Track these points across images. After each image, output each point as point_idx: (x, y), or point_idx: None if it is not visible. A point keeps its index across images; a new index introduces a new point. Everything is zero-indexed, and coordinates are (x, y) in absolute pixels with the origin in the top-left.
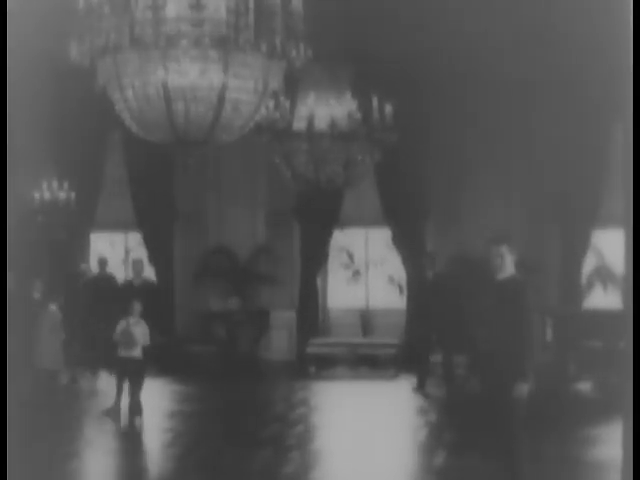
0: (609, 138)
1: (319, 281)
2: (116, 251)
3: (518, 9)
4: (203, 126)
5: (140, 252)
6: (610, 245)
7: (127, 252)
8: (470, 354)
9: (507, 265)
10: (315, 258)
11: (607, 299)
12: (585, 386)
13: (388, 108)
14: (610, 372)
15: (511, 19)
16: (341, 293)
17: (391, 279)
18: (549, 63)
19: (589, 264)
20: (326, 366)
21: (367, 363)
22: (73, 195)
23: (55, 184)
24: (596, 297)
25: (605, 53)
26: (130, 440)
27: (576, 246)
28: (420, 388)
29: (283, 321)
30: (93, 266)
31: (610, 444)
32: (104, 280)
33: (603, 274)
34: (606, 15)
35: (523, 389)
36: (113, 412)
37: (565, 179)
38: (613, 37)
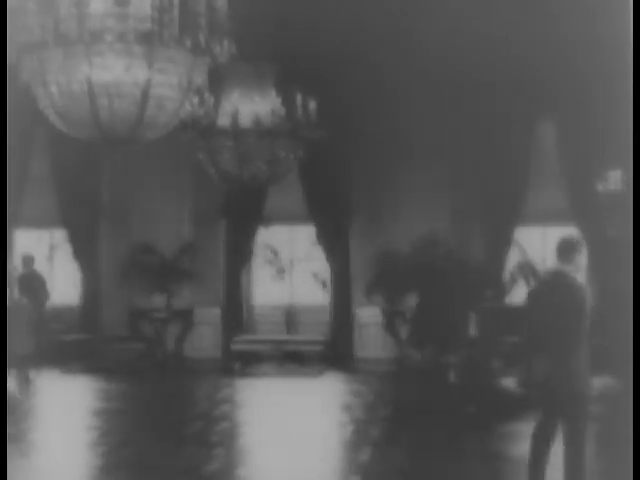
0: (532, 137)
1: (244, 278)
2: (41, 248)
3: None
4: (128, 123)
5: (65, 249)
6: (532, 241)
7: (52, 249)
8: None
9: None
10: (240, 255)
11: None
12: (508, 381)
13: (312, 105)
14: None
15: (443, 16)
16: (266, 290)
17: (315, 276)
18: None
19: (512, 260)
20: (251, 363)
21: (292, 360)
22: None
23: None
24: (519, 293)
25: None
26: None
27: (499, 243)
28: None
29: (208, 318)
30: (17, 264)
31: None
32: (30, 278)
33: (526, 270)
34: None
35: None
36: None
37: (487, 177)
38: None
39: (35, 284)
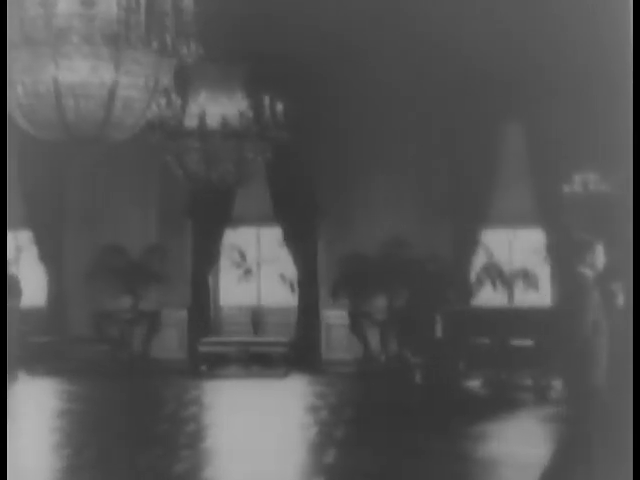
0: (499, 139)
1: (211, 280)
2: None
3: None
4: (94, 124)
5: (31, 250)
6: (499, 244)
7: (18, 251)
8: None
9: None
10: (207, 257)
11: (496, 297)
12: (474, 383)
13: (279, 107)
14: (498, 369)
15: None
16: (233, 291)
17: (283, 277)
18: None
19: (479, 262)
20: (218, 365)
21: (258, 361)
22: None
23: None
24: (485, 294)
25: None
26: None
27: (466, 245)
28: None
29: (174, 320)
30: None
31: (498, 441)
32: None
33: (492, 272)
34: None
35: None
36: None
37: (455, 179)
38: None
39: (12, 285)
